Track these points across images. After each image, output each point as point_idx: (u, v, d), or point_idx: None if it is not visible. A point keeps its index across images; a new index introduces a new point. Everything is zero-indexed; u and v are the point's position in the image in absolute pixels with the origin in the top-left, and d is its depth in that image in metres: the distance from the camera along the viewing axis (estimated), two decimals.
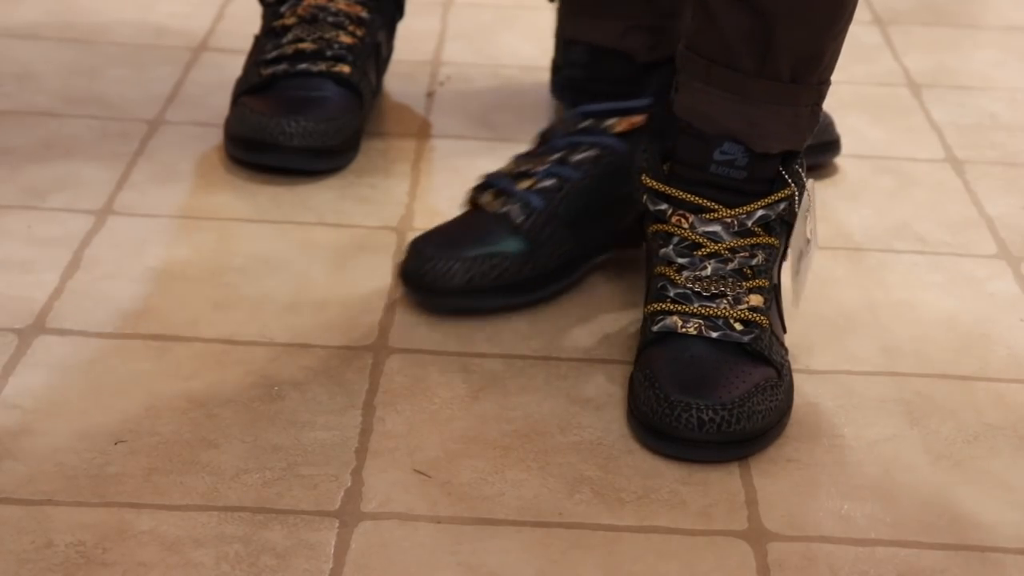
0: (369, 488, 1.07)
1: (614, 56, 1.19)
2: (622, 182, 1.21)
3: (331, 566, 1.00)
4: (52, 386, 1.17)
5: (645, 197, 1.21)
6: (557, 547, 1.03)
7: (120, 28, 1.82)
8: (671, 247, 1.19)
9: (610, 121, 1.20)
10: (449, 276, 1.21)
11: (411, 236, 1.40)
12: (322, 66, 1.53)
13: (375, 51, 1.60)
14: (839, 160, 1.58)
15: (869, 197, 1.52)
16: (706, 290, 1.17)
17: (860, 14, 1.97)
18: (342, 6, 1.57)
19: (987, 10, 2.04)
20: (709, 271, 1.17)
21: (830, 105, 1.66)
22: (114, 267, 1.33)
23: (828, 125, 1.55)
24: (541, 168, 1.23)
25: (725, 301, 1.16)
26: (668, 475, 1.10)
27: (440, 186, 1.50)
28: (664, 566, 1.02)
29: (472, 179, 1.51)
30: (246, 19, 1.81)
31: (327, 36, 1.55)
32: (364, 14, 1.58)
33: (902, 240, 1.44)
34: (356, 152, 1.54)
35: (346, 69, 1.53)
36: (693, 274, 1.17)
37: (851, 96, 1.74)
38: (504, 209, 1.23)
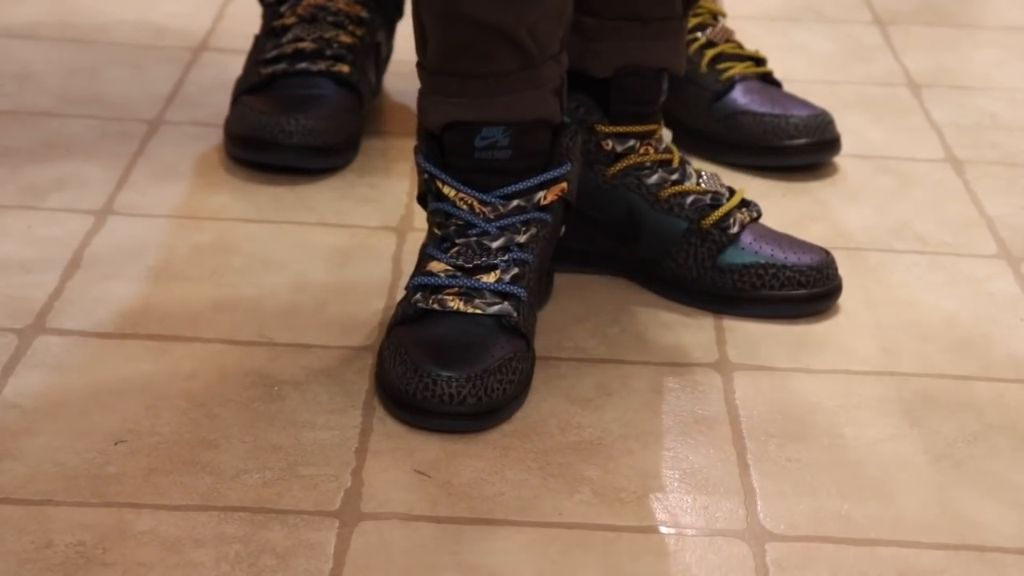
0: (369, 488, 1.07)
1: (533, 128, 1.21)
2: (549, 252, 1.25)
3: (331, 566, 1.00)
4: (52, 386, 1.17)
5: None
6: (557, 547, 1.03)
7: (120, 28, 1.82)
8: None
9: (539, 195, 1.21)
10: (460, 399, 1.14)
11: (411, 236, 1.40)
12: (321, 65, 1.53)
13: (375, 51, 1.60)
14: (839, 160, 1.58)
15: (869, 197, 1.52)
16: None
17: (860, 14, 1.98)
18: (342, 6, 1.57)
19: (987, 10, 2.04)
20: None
21: (830, 104, 1.66)
22: (114, 267, 1.33)
23: (828, 124, 1.55)
24: (500, 259, 1.20)
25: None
26: (668, 475, 1.10)
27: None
28: (664, 566, 1.02)
29: None
30: (246, 19, 1.81)
31: (327, 36, 1.55)
32: (364, 14, 1.58)
33: (902, 240, 1.44)
34: (356, 151, 1.54)
35: (345, 69, 1.53)
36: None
37: (851, 96, 1.74)
38: (493, 309, 1.18)
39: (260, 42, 1.59)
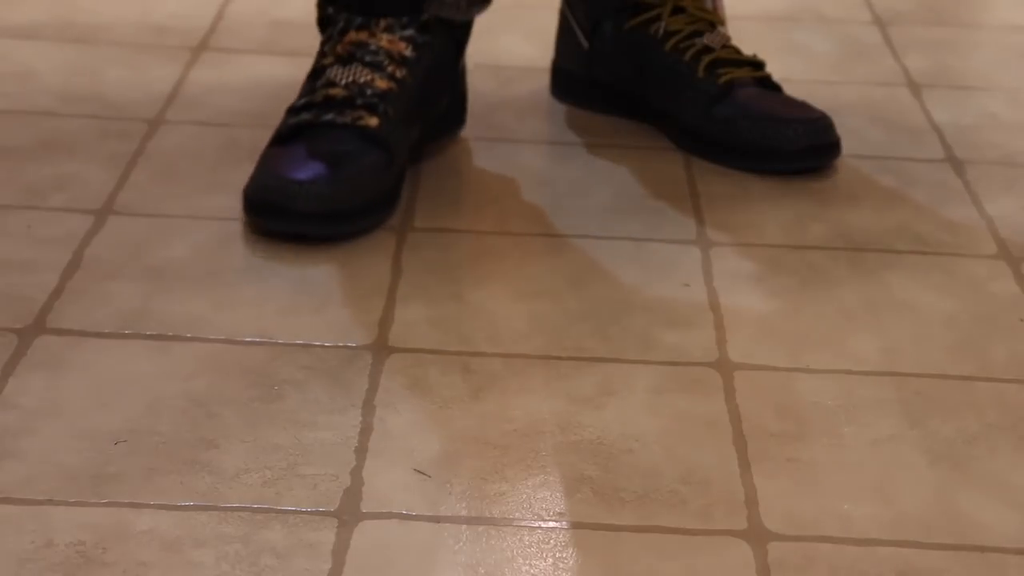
0: (369, 488, 1.07)
1: None
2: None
3: (331, 566, 1.00)
4: (52, 386, 1.17)
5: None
6: (557, 547, 1.03)
7: (120, 28, 1.82)
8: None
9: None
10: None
11: (411, 236, 1.40)
12: (348, 118, 1.41)
13: (419, 95, 1.46)
14: (839, 160, 1.58)
15: (869, 197, 1.52)
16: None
17: (860, 14, 1.98)
18: (384, 43, 1.44)
19: (987, 10, 2.04)
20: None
21: (830, 105, 1.66)
22: (114, 267, 1.33)
23: (827, 128, 1.55)
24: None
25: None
26: (668, 475, 1.10)
27: (440, 186, 1.50)
28: (664, 566, 1.02)
29: (472, 179, 1.51)
30: (246, 19, 1.81)
31: (360, 80, 1.42)
32: (409, 52, 1.45)
33: (902, 240, 1.44)
34: (383, 214, 1.41)
35: (373, 122, 1.41)
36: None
37: (851, 96, 1.74)
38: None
39: (306, 83, 1.46)
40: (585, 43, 1.65)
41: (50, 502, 1.04)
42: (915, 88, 1.77)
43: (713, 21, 1.62)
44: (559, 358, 1.24)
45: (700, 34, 1.60)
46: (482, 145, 1.57)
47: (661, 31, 1.60)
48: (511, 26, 1.86)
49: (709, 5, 1.63)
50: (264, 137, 1.48)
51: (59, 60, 1.72)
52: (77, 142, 1.54)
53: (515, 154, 1.57)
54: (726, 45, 1.61)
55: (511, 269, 1.36)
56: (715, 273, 1.36)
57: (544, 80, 1.72)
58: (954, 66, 1.84)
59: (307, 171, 1.37)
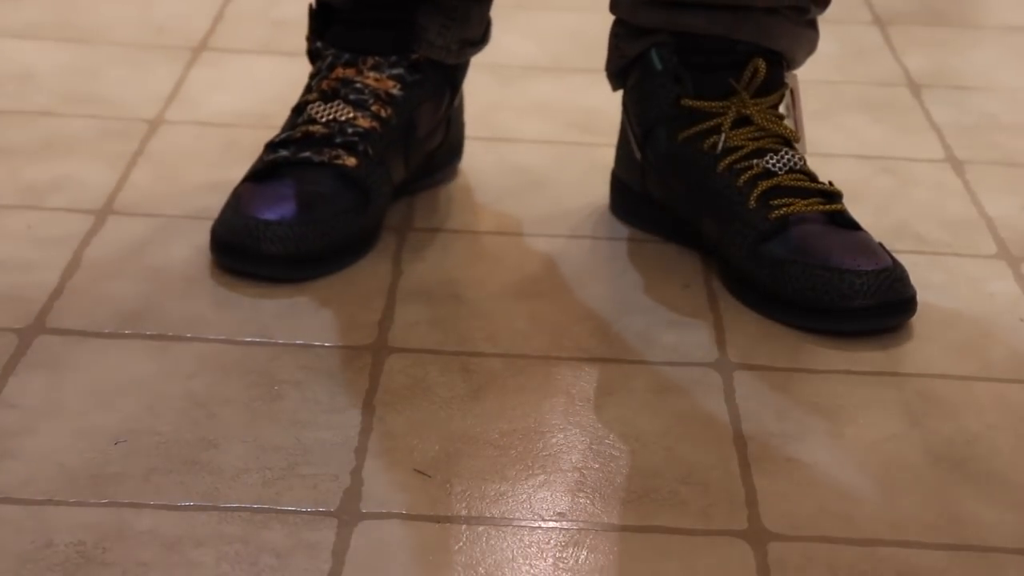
0: (369, 488, 1.07)
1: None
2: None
3: (331, 566, 1.00)
4: (52, 386, 1.17)
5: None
6: (557, 547, 1.03)
7: (120, 28, 1.82)
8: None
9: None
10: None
11: (411, 236, 1.40)
12: (325, 156, 1.35)
13: (405, 134, 1.41)
14: (839, 160, 1.58)
15: (869, 197, 1.52)
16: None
17: (860, 14, 1.98)
18: (370, 81, 1.39)
19: (987, 10, 2.04)
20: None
21: (830, 105, 1.66)
22: (114, 267, 1.33)
23: (897, 280, 1.28)
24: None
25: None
26: (668, 475, 1.10)
27: (440, 186, 1.50)
28: (664, 566, 1.02)
29: (472, 179, 1.51)
30: (246, 19, 1.81)
31: (342, 118, 1.37)
32: (396, 91, 1.40)
33: (902, 240, 1.44)
34: (356, 256, 1.36)
35: (351, 161, 1.35)
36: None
37: (851, 96, 1.74)
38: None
39: (289, 117, 1.41)
40: (638, 153, 1.42)
41: (50, 502, 1.04)
42: (915, 88, 1.77)
43: (787, 137, 1.36)
44: (559, 358, 1.24)
45: (763, 154, 1.34)
46: (482, 145, 1.57)
47: (720, 146, 1.35)
48: (511, 26, 1.86)
49: (784, 111, 1.38)
50: (264, 137, 1.48)
51: (59, 60, 1.72)
52: (77, 142, 1.54)
53: (515, 154, 1.57)
54: (794, 169, 1.34)
55: (511, 269, 1.36)
56: (715, 273, 1.36)
57: (544, 80, 1.72)
58: (954, 66, 1.84)
59: (276, 211, 1.32)
